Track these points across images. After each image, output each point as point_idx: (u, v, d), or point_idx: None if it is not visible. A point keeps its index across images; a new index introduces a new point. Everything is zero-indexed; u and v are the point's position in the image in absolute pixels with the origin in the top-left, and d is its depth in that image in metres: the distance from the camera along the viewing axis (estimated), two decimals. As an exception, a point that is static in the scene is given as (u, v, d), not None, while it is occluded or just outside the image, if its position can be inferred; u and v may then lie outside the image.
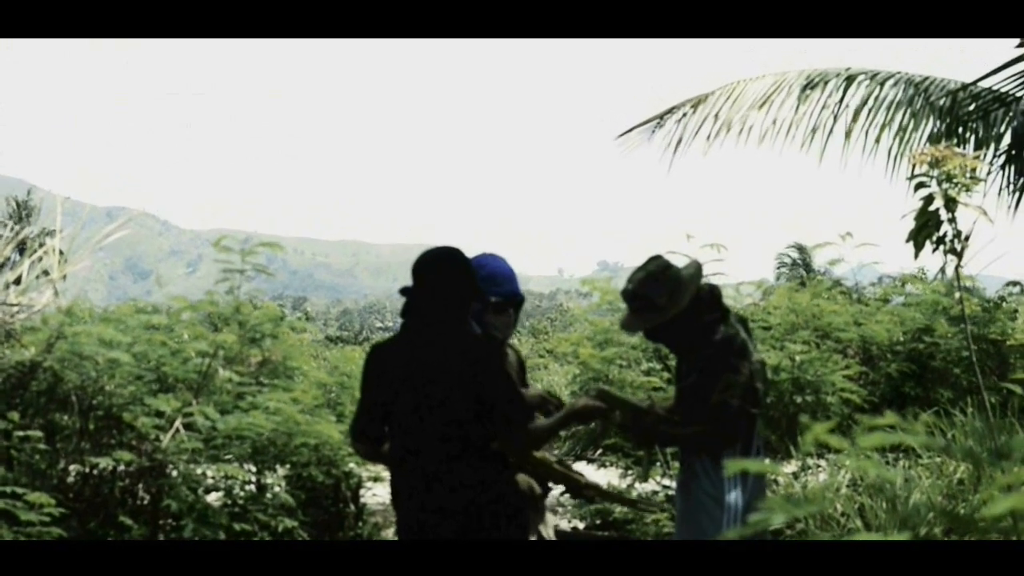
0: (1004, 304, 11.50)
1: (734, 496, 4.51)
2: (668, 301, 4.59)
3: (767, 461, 6.64)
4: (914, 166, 6.47)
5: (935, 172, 6.42)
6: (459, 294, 4.30)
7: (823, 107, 9.89)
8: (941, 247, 6.43)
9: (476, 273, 4.39)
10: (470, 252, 4.59)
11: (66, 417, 6.88)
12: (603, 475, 10.05)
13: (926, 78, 9.70)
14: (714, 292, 4.71)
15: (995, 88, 8.79)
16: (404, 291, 4.36)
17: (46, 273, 7.94)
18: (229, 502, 6.99)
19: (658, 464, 8.54)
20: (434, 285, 4.29)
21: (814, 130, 9.89)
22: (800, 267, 37.50)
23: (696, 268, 4.75)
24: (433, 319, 4.28)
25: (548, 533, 5.13)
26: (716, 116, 10.21)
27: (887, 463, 7.69)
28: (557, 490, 10.00)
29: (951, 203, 6.35)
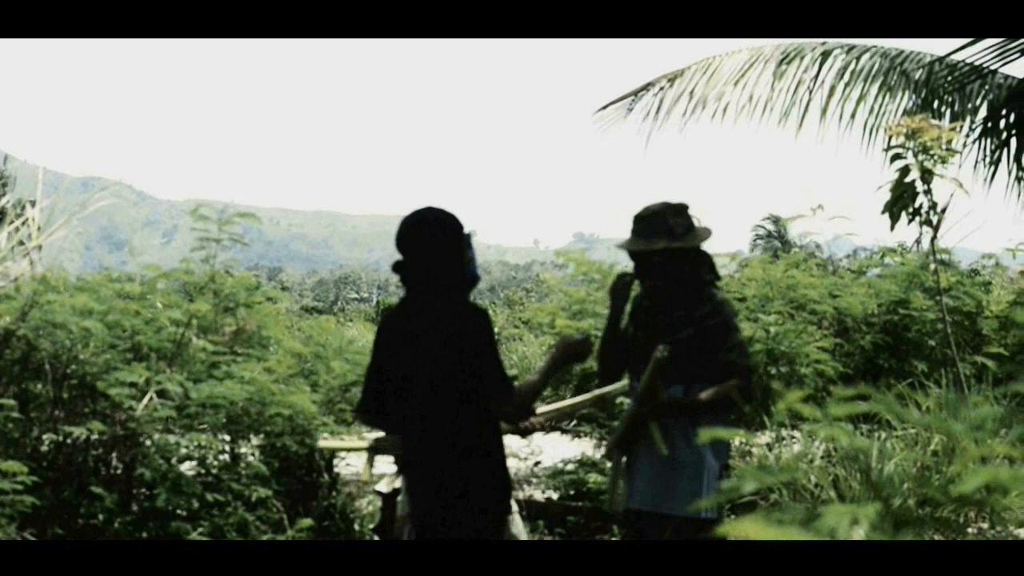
0: (978, 276, 11.55)
1: (712, 461, 4.51)
2: (684, 232, 4.63)
3: (742, 431, 6.66)
4: (890, 138, 6.48)
5: (911, 144, 6.43)
6: (442, 258, 4.20)
7: (799, 82, 9.87)
8: (917, 219, 6.45)
9: (460, 231, 4.27)
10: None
11: (40, 386, 6.84)
12: (576, 446, 10.09)
13: (901, 51, 9.69)
14: (712, 258, 4.82)
15: (971, 60, 8.80)
16: (395, 268, 4.28)
17: (22, 243, 7.89)
18: (203, 471, 6.97)
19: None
20: (416, 254, 4.22)
21: (790, 105, 9.87)
22: (775, 239, 37.60)
23: (707, 227, 4.79)
24: (423, 287, 4.21)
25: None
26: (692, 92, 10.18)
27: (861, 435, 7.72)
28: (531, 461, 10.04)
29: (927, 175, 6.37)
